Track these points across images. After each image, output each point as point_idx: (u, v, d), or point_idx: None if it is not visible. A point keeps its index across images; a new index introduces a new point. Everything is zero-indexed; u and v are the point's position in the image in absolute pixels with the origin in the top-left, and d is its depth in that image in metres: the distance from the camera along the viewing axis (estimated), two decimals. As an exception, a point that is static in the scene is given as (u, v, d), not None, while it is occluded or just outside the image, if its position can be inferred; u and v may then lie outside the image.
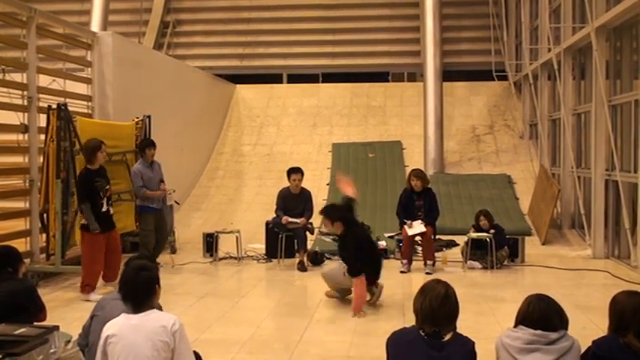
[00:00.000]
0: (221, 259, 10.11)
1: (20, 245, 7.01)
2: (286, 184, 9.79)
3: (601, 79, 10.03)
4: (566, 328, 3.55)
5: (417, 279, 8.71)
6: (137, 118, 10.16)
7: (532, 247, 10.67)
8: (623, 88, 10.07)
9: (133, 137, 9.99)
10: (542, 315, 3.49)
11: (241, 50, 19.78)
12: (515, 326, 3.57)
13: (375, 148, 15.95)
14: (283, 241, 9.76)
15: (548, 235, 11.45)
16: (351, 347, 5.80)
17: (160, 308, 3.67)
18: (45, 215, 8.39)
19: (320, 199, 12.53)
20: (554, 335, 3.46)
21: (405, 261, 9.27)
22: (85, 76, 10.58)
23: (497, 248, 9.42)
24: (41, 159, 8.52)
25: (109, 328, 3.49)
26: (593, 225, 10.45)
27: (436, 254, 9.65)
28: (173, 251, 10.58)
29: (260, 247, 10.52)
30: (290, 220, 9.55)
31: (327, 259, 9.86)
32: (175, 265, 9.60)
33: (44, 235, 8.51)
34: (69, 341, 4.46)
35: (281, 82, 19.60)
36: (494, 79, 17.49)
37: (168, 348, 3.43)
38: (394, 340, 3.48)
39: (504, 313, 6.71)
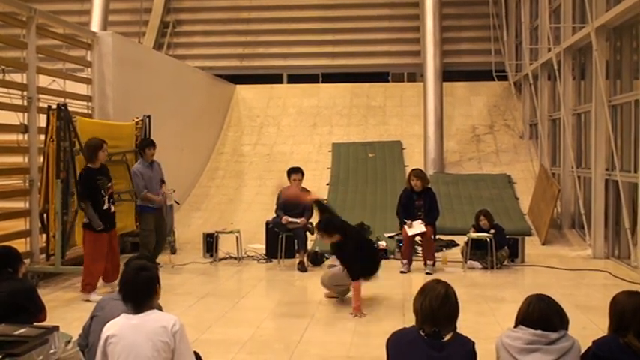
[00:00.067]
0: (221, 259, 10.11)
1: (20, 245, 7.00)
2: (286, 184, 9.79)
3: (601, 79, 10.03)
4: (567, 328, 3.55)
5: (417, 279, 8.71)
6: (137, 118, 10.16)
7: (532, 247, 10.66)
8: (623, 88, 10.07)
9: (133, 137, 9.99)
10: (542, 315, 3.49)
11: (241, 50, 19.77)
12: (516, 326, 3.57)
13: (375, 148, 15.94)
14: (283, 241, 9.76)
15: (548, 235, 11.45)
16: (351, 347, 5.80)
17: (160, 308, 3.66)
18: (45, 215, 8.39)
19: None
20: (554, 335, 3.46)
21: (405, 261, 9.27)
22: (85, 76, 10.58)
23: (498, 248, 9.42)
24: (41, 159, 8.52)
25: (109, 329, 3.49)
26: (593, 225, 10.45)
27: (436, 254, 9.65)
28: (173, 251, 10.58)
29: (260, 247, 10.52)
30: (290, 220, 9.56)
31: (327, 259, 9.85)
32: (175, 265, 9.60)
33: (44, 236, 8.51)
34: (69, 341, 4.45)
35: (281, 82, 19.59)
36: (494, 79, 17.48)
37: (168, 348, 3.43)
38: (394, 340, 3.48)
39: (504, 313, 6.71)
